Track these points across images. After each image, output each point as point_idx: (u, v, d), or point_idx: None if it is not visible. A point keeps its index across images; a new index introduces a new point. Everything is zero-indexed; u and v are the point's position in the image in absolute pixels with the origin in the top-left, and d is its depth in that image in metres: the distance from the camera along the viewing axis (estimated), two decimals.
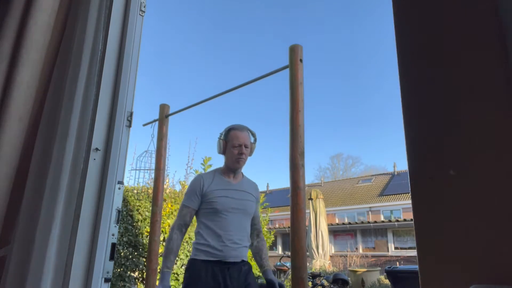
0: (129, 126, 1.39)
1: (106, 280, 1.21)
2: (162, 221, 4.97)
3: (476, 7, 0.59)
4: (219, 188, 2.05)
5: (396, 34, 0.66)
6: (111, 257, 1.24)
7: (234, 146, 2.10)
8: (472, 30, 0.59)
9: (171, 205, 5.64)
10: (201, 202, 2.04)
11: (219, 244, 1.94)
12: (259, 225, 2.27)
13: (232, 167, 2.12)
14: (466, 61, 0.58)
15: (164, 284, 1.93)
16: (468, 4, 0.60)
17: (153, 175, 4.83)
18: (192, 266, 1.96)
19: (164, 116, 4.28)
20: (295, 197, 2.12)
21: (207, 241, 1.96)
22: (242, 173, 2.23)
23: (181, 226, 2.06)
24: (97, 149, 1.30)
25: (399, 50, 0.65)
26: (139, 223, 5.26)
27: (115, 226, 1.27)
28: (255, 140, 2.25)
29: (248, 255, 2.11)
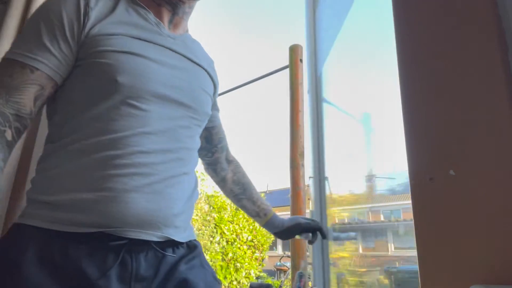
0: None
1: None
2: None
3: (476, 5, 0.59)
4: (133, 34, 0.80)
5: (396, 33, 0.66)
6: None
7: None
8: (472, 29, 0.59)
9: None
10: (73, 59, 0.76)
11: (109, 184, 0.71)
12: (225, 139, 1.13)
13: None
14: (466, 60, 0.58)
15: None
16: (468, 4, 0.60)
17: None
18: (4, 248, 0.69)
19: None
20: (295, 197, 2.12)
21: (71, 173, 0.72)
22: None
23: None
24: None
25: (398, 50, 0.65)
26: None
27: None
28: None
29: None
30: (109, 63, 0.74)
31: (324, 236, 1.23)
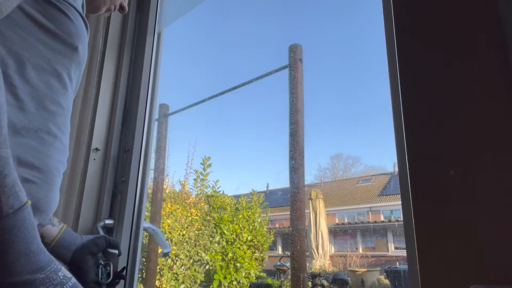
0: None
1: None
2: (161, 221, 4.97)
3: (476, 6, 0.59)
4: None
5: (396, 35, 0.66)
6: None
7: None
8: (472, 30, 0.59)
9: (171, 205, 5.64)
10: None
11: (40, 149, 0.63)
12: None
13: None
14: (466, 61, 0.58)
15: None
16: (468, 4, 0.60)
17: (153, 175, 4.84)
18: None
19: (164, 116, 4.29)
20: (295, 197, 2.12)
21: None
22: None
23: None
24: (97, 149, 1.30)
25: (399, 51, 0.65)
26: None
27: None
28: None
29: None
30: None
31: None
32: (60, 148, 0.68)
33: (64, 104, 0.69)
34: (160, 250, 5.01)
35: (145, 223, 1.27)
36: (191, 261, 5.45)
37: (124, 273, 1.02)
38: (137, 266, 1.19)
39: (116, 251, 1.00)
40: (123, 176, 1.26)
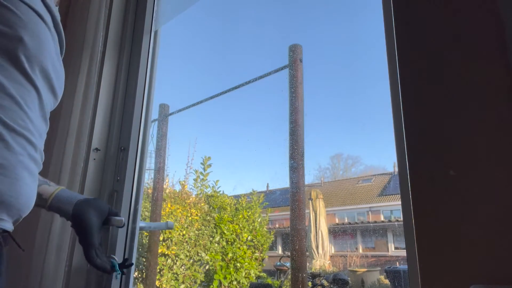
0: None
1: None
2: (161, 221, 4.97)
3: (476, 5, 0.59)
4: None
5: (396, 35, 0.66)
6: None
7: None
8: (472, 30, 0.59)
9: (171, 205, 5.65)
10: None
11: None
12: None
13: None
14: (467, 61, 0.58)
15: None
16: (468, 4, 0.60)
17: (153, 175, 4.85)
18: None
19: (164, 116, 4.29)
20: (295, 197, 2.12)
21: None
22: None
23: None
24: (97, 149, 1.30)
25: (399, 51, 0.65)
26: None
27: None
28: None
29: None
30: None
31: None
32: (20, 142, 0.66)
33: (19, 99, 0.66)
34: (160, 251, 5.02)
35: (141, 223, 1.26)
36: (191, 261, 5.45)
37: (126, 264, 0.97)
38: (133, 266, 1.18)
39: (122, 218, 0.95)
40: (118, 175, 1.26)
